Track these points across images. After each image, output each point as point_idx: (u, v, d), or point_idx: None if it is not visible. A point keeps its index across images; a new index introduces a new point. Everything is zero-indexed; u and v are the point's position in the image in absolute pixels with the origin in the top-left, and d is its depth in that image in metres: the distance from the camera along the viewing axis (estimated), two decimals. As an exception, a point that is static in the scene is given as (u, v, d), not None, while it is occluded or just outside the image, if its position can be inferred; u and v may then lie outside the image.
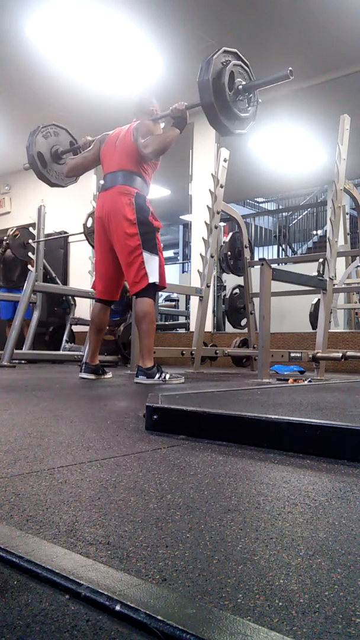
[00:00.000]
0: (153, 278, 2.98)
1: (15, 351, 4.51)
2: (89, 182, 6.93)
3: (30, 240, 6.01)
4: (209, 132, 5.87)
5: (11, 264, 6.35)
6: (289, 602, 0.45)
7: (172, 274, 10.83)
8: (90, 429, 1.39)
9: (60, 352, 5.77)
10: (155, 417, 1.36)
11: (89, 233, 4.79)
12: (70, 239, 7.12)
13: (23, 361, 5.26)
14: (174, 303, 9.90)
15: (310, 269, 5.56)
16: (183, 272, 11.33)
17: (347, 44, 4.85)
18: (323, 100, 5.70)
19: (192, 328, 5.22)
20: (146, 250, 2.97)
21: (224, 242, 5.50)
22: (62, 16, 4.48)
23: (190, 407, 1.32)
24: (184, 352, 4.16)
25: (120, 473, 0.92)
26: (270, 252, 10.39)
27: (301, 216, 10.65)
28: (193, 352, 4.21)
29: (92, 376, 3.25)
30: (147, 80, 5.44)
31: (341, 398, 1.88)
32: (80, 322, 6.12)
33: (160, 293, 5.79)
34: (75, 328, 6.36)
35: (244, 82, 2.75)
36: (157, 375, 2.98)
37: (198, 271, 4.51)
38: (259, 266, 3.68)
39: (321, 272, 5.39)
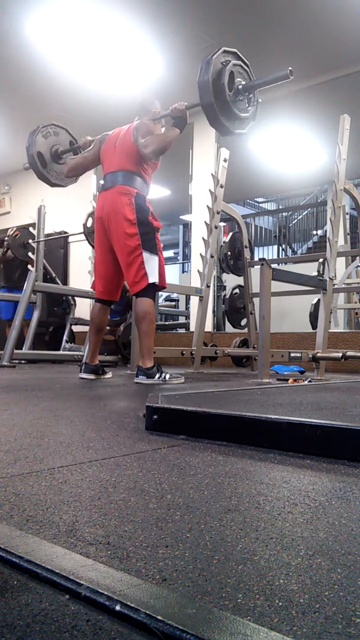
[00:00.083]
0: (153, 278, 2.98)
1: (15, 351, 4.51)
2: (89, 182, 6.93)
3: (30, 240, 6.01)
4: (209, 132, 5.87)
5: (11, 264, 6.35)
6: (289, 602, 0.45)
7: (172, 274, 10.83)
8: (90, 429, 1.39)
9: (60, 352, 5.77)
10: (155, 417, 1.36)
11: (89, 233, 4.79)
12: (70, 239, 7.13)
13: (23, 361, 5.26)
14: (174, 303, 9.90)
15: (310, 269, 5.56)
16: (183, 272, 11.34)
17: (347, 44, 4.85)
18: (323, 100, 5.70)
19: (192, 328, 5.22)
20: (146, 250, 2.97)
21: (224, 242, 5.50)
22: (62, 16, 4.48)
23: (190, 407, 1.32)
24: (184, 352, 4.16)
25: (120, 473, 0.92)
26: (270, 252, 10.39)
27: (301, 216, 10.65)
28: (193, 352, 4.21)
29: (92, 376, 3.25)
30: (147, 80, 5.44)
31: (341, 398, 1.88)
32: (80, 322, 6.13)
33: (160, 293, 5.79)
34: (75, 328, 6.36)
35: (243, 82, 2.75)
36: (157, 375, 2.98)
37: (198, 271, 4.51)
38: (259, 266, 3.68)
39: (321, 272, 5.39)
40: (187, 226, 9.76)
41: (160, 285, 3.08)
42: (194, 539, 0.61)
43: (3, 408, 1.83)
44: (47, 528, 0.64)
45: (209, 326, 5.96)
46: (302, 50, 4.98)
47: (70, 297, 6.24)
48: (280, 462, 1.03)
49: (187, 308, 7.48)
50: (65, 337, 6.10)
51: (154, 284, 2.99)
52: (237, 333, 5.63)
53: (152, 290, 3.04)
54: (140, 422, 1.47)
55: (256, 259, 6.15)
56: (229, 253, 5.32)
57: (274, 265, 3.51)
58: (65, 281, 7.29)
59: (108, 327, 4.37)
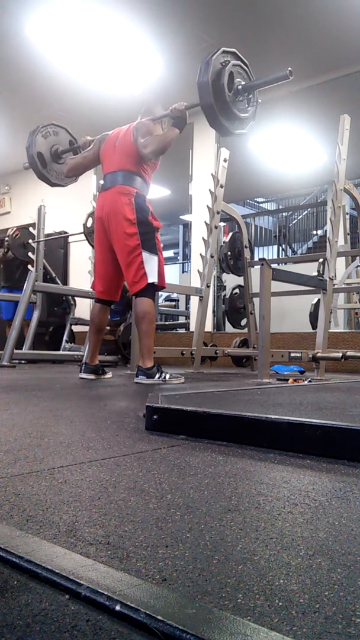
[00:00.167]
0: (152, 278, 2.98)
1: (15, 351, 4.51)
2: (89, 182, 6.93)
3: (30, 240, 6.01)
4: (209, 132, 5.87)
5: (12, 264, 6.35)
6: (289, 602, 0.45)
7: (172, 274, 10.84)
8: (90, 429, 1.39)
9: (60, 352, 5.77)
10: (155, 417, 1.36)
11: (89, 233, 4.79)
12: (70, 239, 7.13)
13: (23, 361, 5.27)
14: (174, 303, 9.90)
15: (310, 269, 5.56)
16: (183, 272, 11.34)
17: (347, 44, 4.85)
18: (323, 100, 5.70)
19: (192, 328, 5.22)
20: (145, 250, 2.97)
21: (224, 242, 5.50)
22: (62, 16, 4.48)
23: (190, 407, 1.32)
24: (184, 352, 4.16)
25: (120, 473, 0.92)
26: (270, 252, 10.39)
27: (301, 216, 10.65)
28: (193, 352, 4.21)
29: (92, 376, 3.25)
30: (147, 80, 5.44)
31: (341, 398, 1.88)
32: (80, 322, 6.13)
33: (160, 293, 5.80)
34: (75, 328, 6.36)
35: (243, 83, 2.75)
36: (157, 375, 2.98)
37: (198, 271, 4.51)
38: (259, 266, 3.68)
39: (321, 272, 5.39)
40: (187, 226, 9.76)
41: (160, 285, 3.08)
42: (194, 539, 0.61)
43: (3, 408, 1.83)
44: (47, 528, 0.64)
45: (209, 326, 5.96)
46: (302, 50, 4.98)
47: (70, 297, 6.24)
48: (280, 462, 1.03)
49: (187, 308, 7.48)
50: (65, 337, 6.10)
51: (153, 283, 2.99)
52: (237, 333, 5.63)
53: (151, 290, 3.04)
54: (140, 422, 1.47)
55: (256, 259, 6.16)
56: (229, 253, 5.32)
57: (274, 265, 3.51)
58: (65, 281, 7.29)
59: (108, 327, 4.37)
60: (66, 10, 4.40)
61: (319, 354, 3.72)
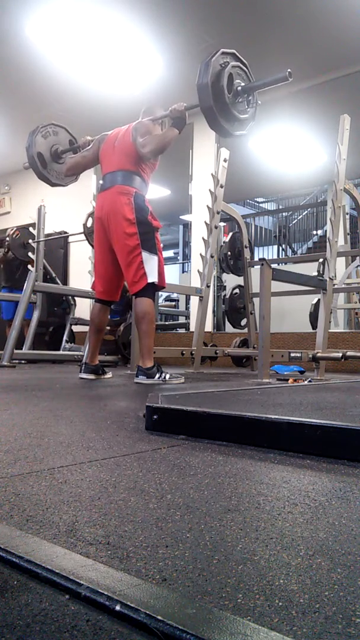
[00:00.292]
0: (152, 278, 2.98)
1: (15, 351, 4.51)
2: (89, 182, 6.92)
3: (30, 240, 6.01)
4: (209, 133, 5.86)
5: (12, 264, 6.35)
6: (289, 602, 0.45)
7: (172, 274, 10.84)
8: (90, 429, 1.39)
9: (60, 352, 5.77)
10: (155, 417, 1.36)
11: (89, 233, 4.79)
12: (70, 239, 7.12)
13: (23, 361, 5.26)
14: (174, 303, 9.90)
15: (310, 269, 5.57)
16: (183, 272, 11.34)
17: (347, 44, 4.85)
18: (323, 101, 5.70)
19: (192, 328, 5.22)
20: (145, 249, 2.97)
21: (224, 242, 5.50)
22: (62, 16, 4.48)
23: (190, 407, 1.32)
24: (184, 352, 4.16)
25: (120, 473, 0.92)
26: (270, 252, 10.39)
27: (301, 216, 10.65)
28: (193, 352, 4.21)
29: (92, 376, 3.25)
30: (147, 80, 5.45)
31: (341, 398, 1.88)
32: (80, 322, 6.13)
33: (160, 293, 5.80)
34: (75, 328, 6.36)
35: (242, 84, 2.75)
36: (157, 375, 2.98)
37: (198, 271, 4.51)
38: (259, 266, 3.68)
39: (321, 272, 5.39)
40: (187, 226, 9.76)
41: (160, 285, 3.08)
42: (194, 539, 0.61)
43: (3, 408, 1.83)
44: (47, 528, 0.64)
45: (209, 326, 5.96)
46: (302, 50, 4.98)
47: (70, 297, 6.24)
48: (280, 462, 1.03)
49: (187, 308, 7.48)
50: (65, 337, 6.10)
51: (153, 283, 2.99)
52: (237, 333, 5.63)
53: (151, 290, 3.04)
54: (140, 422, 1.47)
55: (256, 259, 6.16)
56: (229, 253, 5.32)
57: (274, 265, 3.51)
58: (65, 281, 7.29)
59: (108, 327, 4.37)
60: (66, 11, 4.40)
61: (319, 354, 3.72)
